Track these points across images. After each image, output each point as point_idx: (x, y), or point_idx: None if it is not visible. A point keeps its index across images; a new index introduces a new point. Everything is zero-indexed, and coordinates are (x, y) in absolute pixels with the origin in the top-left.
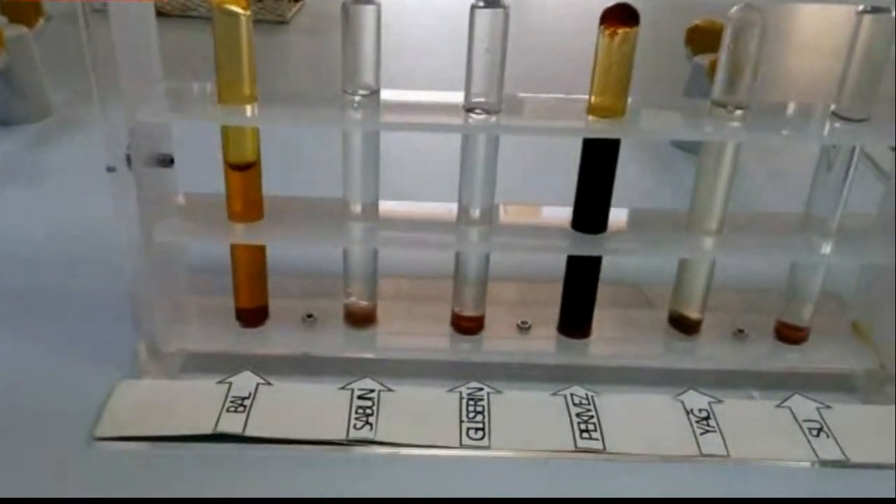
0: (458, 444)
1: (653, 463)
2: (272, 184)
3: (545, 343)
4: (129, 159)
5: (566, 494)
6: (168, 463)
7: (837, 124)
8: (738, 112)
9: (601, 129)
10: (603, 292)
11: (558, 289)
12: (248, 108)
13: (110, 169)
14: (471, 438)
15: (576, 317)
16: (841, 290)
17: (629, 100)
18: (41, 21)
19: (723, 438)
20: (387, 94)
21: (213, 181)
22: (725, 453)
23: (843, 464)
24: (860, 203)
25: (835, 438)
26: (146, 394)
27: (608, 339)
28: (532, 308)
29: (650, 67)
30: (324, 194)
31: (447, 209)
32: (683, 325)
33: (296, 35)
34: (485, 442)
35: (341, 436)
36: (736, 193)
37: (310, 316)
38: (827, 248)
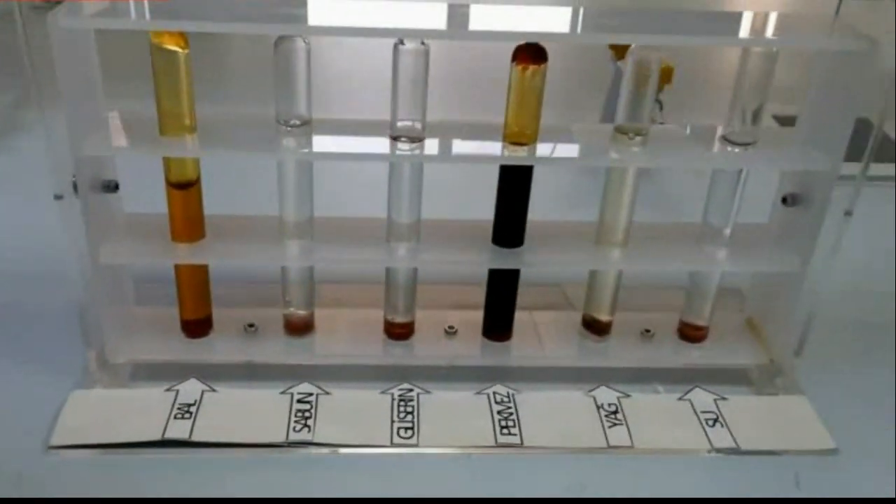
0: (389, 443)
1: (565, 455)
2: (213, 200)
3: (470, 346)
4: (75, 186)
5: (487, 486)
6: (120, 468)
7: (728, 148)
8: (638, 138)
9: (516, 157)
10: (526, 294)
11: (482, 291)
12: (189, 138)
13: (58, 197)
14: (401, 437)
15: (498, 322)
16: (741, 285)
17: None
18: None
19: (628, 430)
20: (318, 123)
21: (158, 197)
22: (630, 444)
23: (734, 451)
24: (757, 211)
25: (728, 428)
26: (97, 403)
27: (528, 341)
28: (458, 312)
29: (576, 71)
30: (263, 205)
31: (377, 223)
32: (595, 328)
33: None
34: (414, 440)
35: (281, 438)
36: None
37: (251, 325)
38: (722, 257)
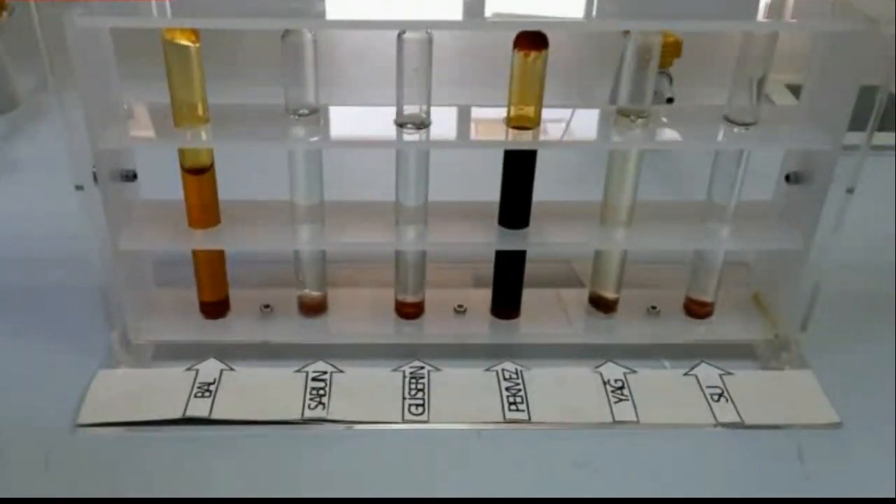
0: (400, 420)
1: (571, 430)
2: (227, 183)
3: (479, 325)
4: (95, 177)
5: (496, 462)
6: (144, 445)
7: (730, 128)
8: (640, 120)
9: (519, 142)
10: (537, 271)
11: (491, 268)
12: (203, 130)
13: (79, 187)
14: (412, 413)
15: (506, 301)
16: (747, 259)
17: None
18: (4, 15)
19: (634, 406)
20: (326, 111)
21: (174, 182)
22: (636, 419)
23: (738, 425)
24: (763, 187)
25: (733, 402)
26: (122, 382)
27: (536, 319)
28: (467, 290)
29: (589, 48)
30: (276, 186)
31: (386, 206)
32: (601, 305)
33: None
34: (424, 416)
35: (297, 416)
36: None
37: (267, 306)
38: (725, 236)
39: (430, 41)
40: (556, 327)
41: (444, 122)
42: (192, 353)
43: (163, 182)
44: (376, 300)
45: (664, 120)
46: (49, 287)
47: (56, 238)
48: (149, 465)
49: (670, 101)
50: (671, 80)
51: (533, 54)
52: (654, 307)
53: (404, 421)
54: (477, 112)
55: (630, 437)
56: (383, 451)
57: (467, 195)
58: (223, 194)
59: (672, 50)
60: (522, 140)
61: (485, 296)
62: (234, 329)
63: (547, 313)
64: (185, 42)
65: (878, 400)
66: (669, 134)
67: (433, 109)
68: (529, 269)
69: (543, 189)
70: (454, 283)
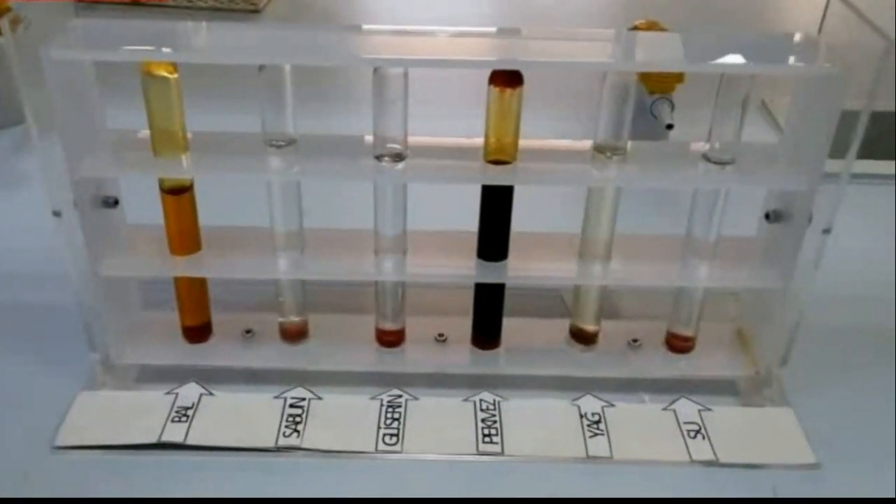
0: (374, 450)
1: (543, 465)
2: (207, 206)
3: (459, 354)
4: (75, 203)
5: (465, 494)
6: (119, 469)
7: (707, 166)
8: (616, 157)
9: (496, 177)
10: (523, 301)
11: (472, 294)
12: (182, 157)
13: (56, 213)
14: (385, 444)
15: (485, 331)
16: (737, 290)
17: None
18: (20, 27)
19: (609, 441)
20: (303, 141)
21: (156, 203)
22: (609, 455)
23: (712, 463)
24: (750, 223)
25: (709, 440)
26: (103, 404)
27: (516, 349)
28: (448, 318)
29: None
30: (258, 209)
31: (365, 234)
32: (581, 337)
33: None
34: (397, 447)
35: (271, 443)
36: None
37: (249, 331)
38: (704, 273)
39: (406, 75)
40: (536, 358)
41: (421, 155)
42: (176, 375)
43: (146, 203)
44: (357, 326)
45: (641, 156)
46: (36, 303)
47: (44, 254)
48: (124, 489)
49: (670, 127)
50: (673, 107)
51: (508, 91)
52: (635, 340)
53: (377, 451)
54: (454, 144)
55: (601, 474)
56: (353, 482)
57: (447, 221)
58: (204, 217)
59: (675, 76)
60: (498, 176)
61: (466, 324)
62: (215, 354)
63: (528, 344)
64: (164, 74)
65: (858, 441)
66: (644, 172)
67: (410, 140)
68: (514, 297)
69: (524, 217)
70: (436, 308)
